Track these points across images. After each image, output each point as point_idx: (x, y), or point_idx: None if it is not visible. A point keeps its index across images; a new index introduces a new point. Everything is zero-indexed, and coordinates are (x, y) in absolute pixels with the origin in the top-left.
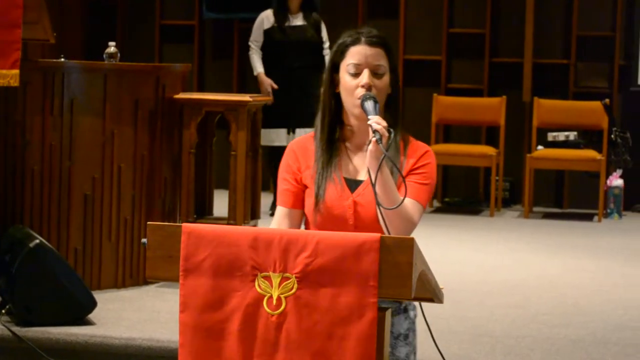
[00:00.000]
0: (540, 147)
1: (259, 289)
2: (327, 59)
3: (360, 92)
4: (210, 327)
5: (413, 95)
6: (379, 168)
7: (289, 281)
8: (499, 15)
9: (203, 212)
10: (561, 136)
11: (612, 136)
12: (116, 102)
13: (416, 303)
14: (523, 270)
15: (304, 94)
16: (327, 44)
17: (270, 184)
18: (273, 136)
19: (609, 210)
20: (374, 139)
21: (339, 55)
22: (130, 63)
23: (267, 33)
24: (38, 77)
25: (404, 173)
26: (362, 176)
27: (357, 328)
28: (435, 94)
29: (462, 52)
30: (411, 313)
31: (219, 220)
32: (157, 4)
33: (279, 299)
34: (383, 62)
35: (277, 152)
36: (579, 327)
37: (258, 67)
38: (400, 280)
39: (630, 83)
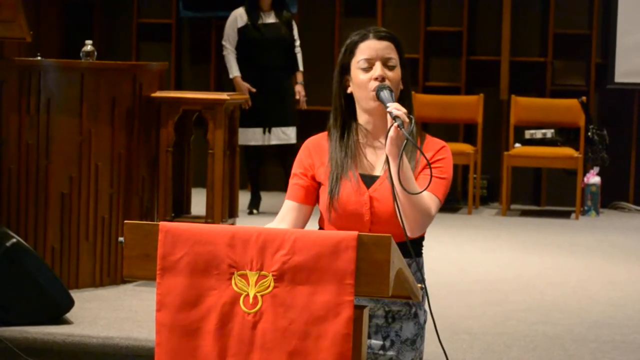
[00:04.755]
0: (517, 144)
1: (235, 288)
2: (299, 57)
3: (374, 84)
4: (186, 326)
5: None
6: (401, 154)
7: (265, 279)
8: (476, 13)
9: (181, 210)
10: (538, 134)
11: (589, 134)
12: (93, 100)
13: (426, 307)
14: (501, 267)
15: (279, 93)
16: (298, 42)
17: (247, 183)
18: (249, 135)
19: (586, 208)
20: (395, 125)
21: (348, 54)
22: (107, 61)
23: (240, 31)
24: (14, 76)
25: (420, 167)
26: (378, 172)
27: (333, 327)
28: (412, 92)
29: (439, 51)
30: (421, 318)
31: (196, 218)
32: (134, 2)
33: (255, 297)
34: (393, 55)
35: (252, 152)
36: (557, 324)
37: (234, 71)
38: (377, 278)
39: (607, 81)
